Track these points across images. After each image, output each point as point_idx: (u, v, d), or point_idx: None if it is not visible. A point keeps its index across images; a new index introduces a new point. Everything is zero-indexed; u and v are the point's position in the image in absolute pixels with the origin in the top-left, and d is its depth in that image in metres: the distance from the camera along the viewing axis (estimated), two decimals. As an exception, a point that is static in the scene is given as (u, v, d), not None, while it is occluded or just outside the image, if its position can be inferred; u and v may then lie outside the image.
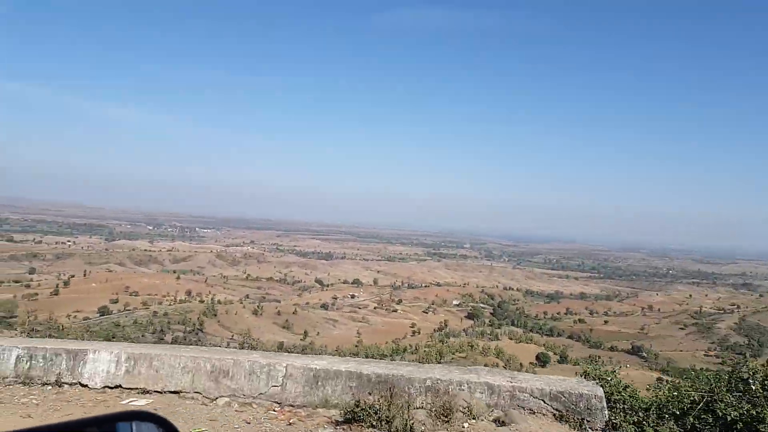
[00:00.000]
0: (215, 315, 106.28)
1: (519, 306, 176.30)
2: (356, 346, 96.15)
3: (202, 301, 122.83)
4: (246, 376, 6.63)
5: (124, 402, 6.50)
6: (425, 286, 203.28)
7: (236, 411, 6.29)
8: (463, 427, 5.51)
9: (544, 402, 6.05)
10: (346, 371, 6.39)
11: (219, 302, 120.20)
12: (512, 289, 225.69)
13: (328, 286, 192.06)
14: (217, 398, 6.60)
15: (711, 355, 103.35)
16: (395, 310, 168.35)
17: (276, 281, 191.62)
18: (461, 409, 5.81)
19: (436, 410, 5.70)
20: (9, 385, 7.09)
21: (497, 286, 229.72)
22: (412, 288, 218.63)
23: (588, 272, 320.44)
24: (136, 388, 6.85)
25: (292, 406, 6.40)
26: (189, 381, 6.76)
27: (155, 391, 6.77)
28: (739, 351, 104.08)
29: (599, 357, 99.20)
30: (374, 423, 5.61)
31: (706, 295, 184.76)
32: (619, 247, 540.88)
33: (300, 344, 78.30)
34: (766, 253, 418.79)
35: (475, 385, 6.21)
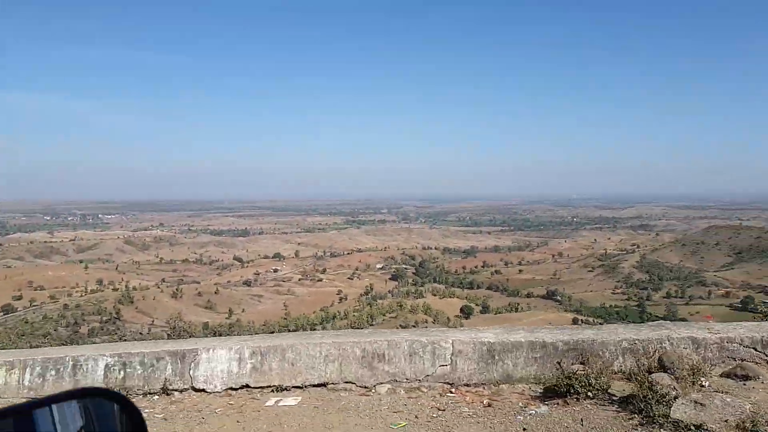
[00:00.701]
0: (132, 302, 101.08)
1: (439, 264, 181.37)
2: (284, 318, 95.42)
3: (115, 290, 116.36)
4: (406, 358, 5.94)
5: (269, 403, 5.60)
6: (348, 254, 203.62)
7: (408, 398, 5.61)
8: (703, 384, 5.02)
9: (756, 350, 5.65)
10: (527, 342, 5.86)
11: (134, 289, 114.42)
12: (431, 248, 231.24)
13: (248, 262, 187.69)
14: (375, 386, 5.90)
15: (618, 293, 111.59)
16: (320, 280, 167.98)
17: (192, 263, 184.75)
18: (686, 367, 5.26)
19: (678, 372, 5.09)
20: None
21: (417, 247, 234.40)
22: (335, 257, 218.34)
23: (499, 226, 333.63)
24: (269, 387, 6.01)
25: (467, 385, 5.81)
26: (335, 370, 6.00)
27: (294, 387, 5.98)
28: (642, 287, 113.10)
29: (518, 304, 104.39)
30: (590, 394, 5.13)
31: (609, 238, 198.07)
32: (526, 200, 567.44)
33: (226, 323, 76.42)
34: (659, 196, 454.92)
35: (678, 340, 5.80)
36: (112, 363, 6.13)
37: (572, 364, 5.55)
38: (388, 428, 4.86)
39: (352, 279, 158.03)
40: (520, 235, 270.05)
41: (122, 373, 6.10)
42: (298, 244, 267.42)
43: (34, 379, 6.07)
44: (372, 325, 70.43)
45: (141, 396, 5.99)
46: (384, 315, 73.37)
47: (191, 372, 6.08)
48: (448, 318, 76.55)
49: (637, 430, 4.45)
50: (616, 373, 5.46)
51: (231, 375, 6.03)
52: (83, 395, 1.63)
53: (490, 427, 4.80)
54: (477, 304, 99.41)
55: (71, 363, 6.06)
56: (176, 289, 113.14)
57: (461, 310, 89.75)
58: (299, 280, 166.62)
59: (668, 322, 6.61)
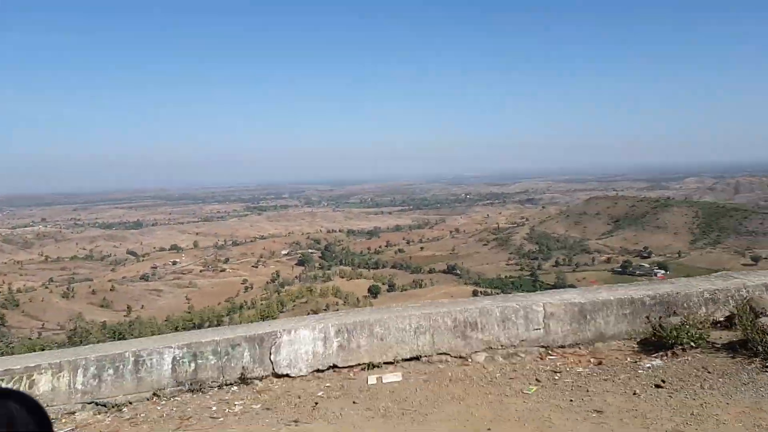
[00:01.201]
0: (17, 305, 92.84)
1: (344, 246, 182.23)
2: (188, 312, 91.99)
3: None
4: (499, 324, 5.88)
5: (372, 381, 5.32)
6: (251, 241, 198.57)
7: (511, 363, 5.57)
8: None
9: None
10: (616, 299, 5.92)
11: (18, 291, 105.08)
12: (335, 231, 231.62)
13: (143, 256, 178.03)
14: (470, 355, 5.78)
15: (512, 264, 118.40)
16: (223, 270, 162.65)
17: (82, 259, 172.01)
18: None
19: None
20: (172, 397, 5.39)
21: (321, 231, 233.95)
22: (237, 245, 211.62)
23: (399, 206, 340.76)
24: (358, 365, 5.69)
25: (562, 347, 5.80)
26: (428, 342, 5.81)
27: (385, 363, 5.69)
28: (533, 257, 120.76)
29: (422, 280, 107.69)
30: (693, 344, 5.25)
31: (500, 213, 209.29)
32: (423, 180, 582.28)
33: (126, 321, 72.43)
34: (542, 172, 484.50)
35: (753, 287, 5.97)
36: (181, 355, 5.59)
37: (660, 317, 5.65)
38: (518, 393, 4.81)
39: (256, 267, 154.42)
40: (419, 214, 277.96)
41: (193, 365, 5.60)
42: (197, 234, 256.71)
43: (89, 381, 5.42)
44: (282, 312, 69.98)
45: (216, 388, 5.53)
46: (294, 301, 73.11)
47: (272, 357, 5.72)
48: (357, 299, 77.67)
49: (765, 372, 4.65)
50: (701, 322, 5.54)
51: (317, 356, 5.76)
52: None
53: (622, 383, 4.80)
54: (383, 284, 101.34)
55: (132, 359, 5.48)
56: (67, 289, 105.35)
57: (369, 290, 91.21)
58: (200, 271, 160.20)
59: (733, 272, 6.95)
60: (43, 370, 5.37)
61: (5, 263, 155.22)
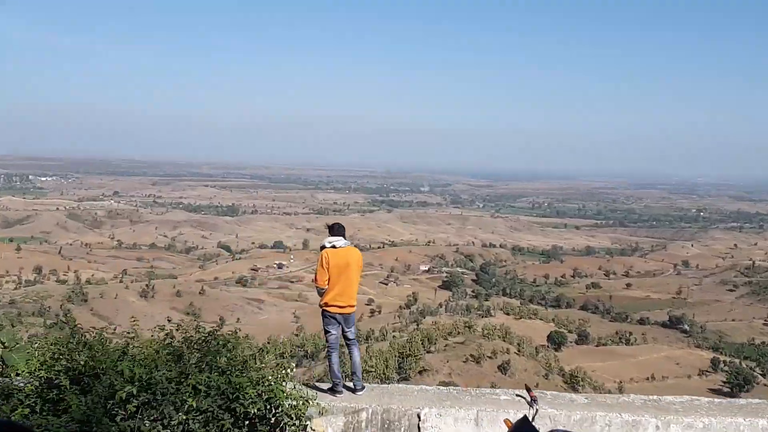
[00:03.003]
0: (86, 300, 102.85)
1: (508, 268, 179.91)
2: (296, 334, 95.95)
3: (61, 282, 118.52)
4: None
5: None
6: (379, 248, 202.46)
7: None
8: None
9: None
10: None
11: (88, 282, 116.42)
12: (495, 245, 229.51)
13: (240, 253, 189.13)
14: None
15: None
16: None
17: (162, 249, 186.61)
18: None
19: None
20: None
21: (474, 243, 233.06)
22: (361, 250, 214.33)
23: (592, 218, 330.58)
24: None
25: None
26: None
27: None
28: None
29: (629, 333, 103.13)
30: None
31: (755, 244, 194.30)
32: (630, 182, 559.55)
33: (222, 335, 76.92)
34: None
35: None
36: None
37: None
38: None
39: (386, 284, 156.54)
40: (623, 233, 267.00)
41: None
42: (307, 230, 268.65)
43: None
44: (430, 352, 70.42)
45: None
46: (446, 338, 73.33)
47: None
48: (536, 349, 76.12)
49: None
50: None
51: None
52: None
53: None
54: (570, 330, 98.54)
55: None
56: (147, 286, 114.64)
57: (549, 338, 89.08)
58: (313, 281, 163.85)
59: None
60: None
61: (70, 244, 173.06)
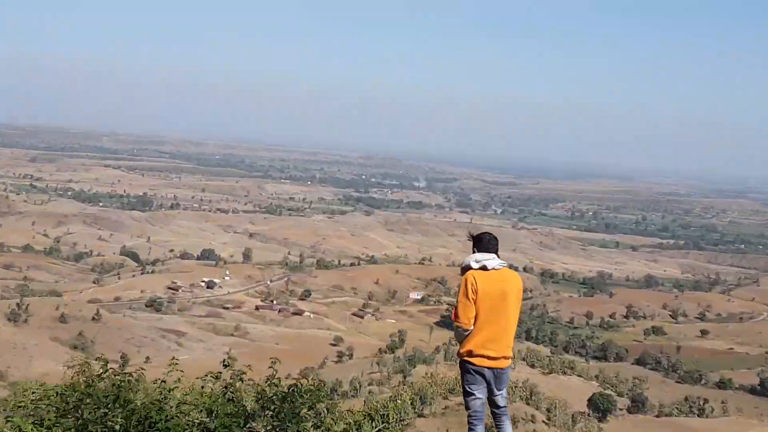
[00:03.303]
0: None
1: (535, 302, 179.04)
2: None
3: None
4: None
5: None
6: (352, 265, 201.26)
7: None
8: None
9: None
10: None
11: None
12: (517, 269, 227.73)
13: (152, 263, 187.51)
14: None
15: None
16: (298, 313, 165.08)
17: (41, 253, 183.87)
18: None
19: None
20: None
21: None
22: (325, 268, 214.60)
23: (654, 236, 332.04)
24: None
25: None
26: None
27: None
28: None
29: (704, 401, 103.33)
30: None
31: None
32: (710, 186, 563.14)
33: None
34: None
35: None
36: None
37: None
38: None
39: (361, 317, 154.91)
40: (700, 259, 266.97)
41: None
42: (250, 236, 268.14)
43: None
44: (422, 416, 70.16)
45: None
46: (446, 396, 73.34)
47: None
48: (572, 417, 76.12)
49: None
50: None
51: None
52: None
53: None
54: (620, 394, 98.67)
55: None
56: (17, 306, 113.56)
57: (591, 402, 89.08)
58: (257, 309, 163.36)
59: None
60: None
61: None
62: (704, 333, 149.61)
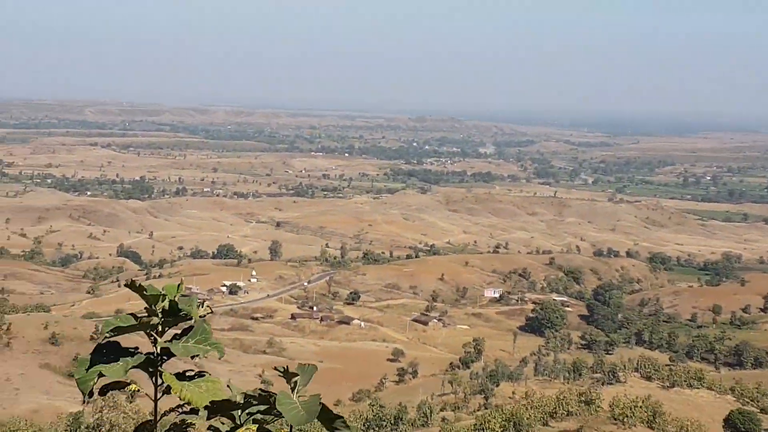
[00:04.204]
0: None
1: (645, 295, 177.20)
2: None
3: None
4: None
5: None
6: (408, 257, 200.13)
7: None
8: None
9: None
10: None
11: None
12: (618, 253, 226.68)
13: (158, 266, 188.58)
14: None
15: None
16: (345, 320, 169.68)
17: (19, 258, 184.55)
18: None
19: None
20: None
21: (579, 248, 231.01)
22: (376, 262, 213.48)
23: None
24: None
25: None
26: None
27: None
28: None
29: None
30: None
31: None
32: None
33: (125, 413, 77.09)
34: None
35: None
36: None
37: None
38: None
39: (425, 324, 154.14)
40: None
41: None
42: (277, 225, 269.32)
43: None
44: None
45: None
46: (545, 422, 73.77)
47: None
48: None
49: None
50: None
51: None
52: None
53: None
54: (764, 410, 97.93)
55: None
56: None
57: (728, 422, 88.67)
58: (294, 318, 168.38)
59: None
60: None
61: None
62: None
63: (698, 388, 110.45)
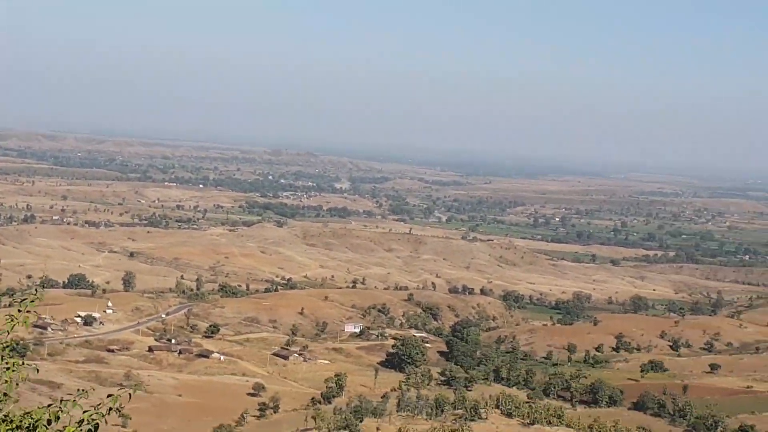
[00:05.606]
0: None
1: (502, 333, 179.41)
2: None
3: None
4: None
5: None
6: (267, 290, 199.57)
7: None
8: None
9: None
10: None
11: None
12: (473, 291, 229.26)
13: (5, 294, 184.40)
14: None
15: None
16: (204, 354, 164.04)
17: None
18: None
19: None
20: None
21: (435, 285, 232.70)
22: (234, 295, 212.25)
23: (638, 246, 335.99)
24: None
25: None
26: None
27: None
28: None
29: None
30: None
31: None
32: (700, 183, 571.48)
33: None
34: None
35: None
36: None
37: None
38: None
39: (285, 358, 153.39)
40: (696, 273, 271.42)
41: None
42: (131, 255, 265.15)
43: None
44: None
45: None
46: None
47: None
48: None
49: None
50: None
51: None
52: None
53: None
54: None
55: None
56: None
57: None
58: (151, 351, 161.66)
59: None
60: None
61: None
62: (714, 368, 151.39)
63: (558, 425, 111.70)
